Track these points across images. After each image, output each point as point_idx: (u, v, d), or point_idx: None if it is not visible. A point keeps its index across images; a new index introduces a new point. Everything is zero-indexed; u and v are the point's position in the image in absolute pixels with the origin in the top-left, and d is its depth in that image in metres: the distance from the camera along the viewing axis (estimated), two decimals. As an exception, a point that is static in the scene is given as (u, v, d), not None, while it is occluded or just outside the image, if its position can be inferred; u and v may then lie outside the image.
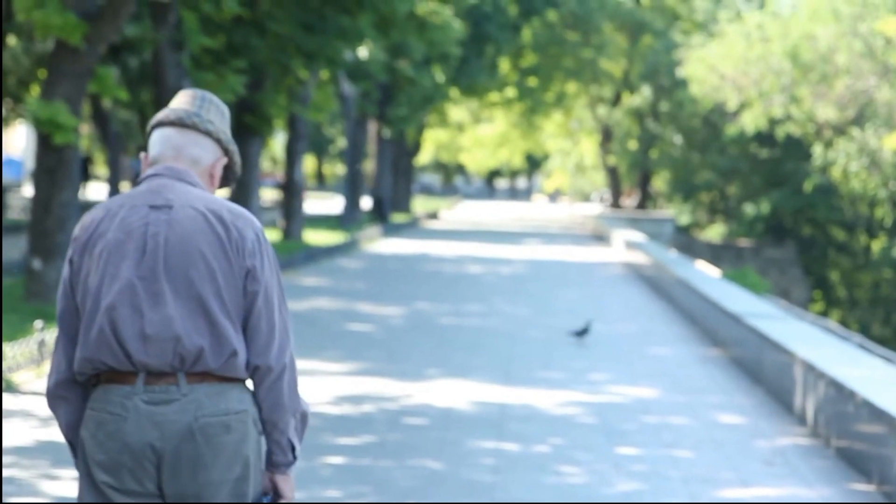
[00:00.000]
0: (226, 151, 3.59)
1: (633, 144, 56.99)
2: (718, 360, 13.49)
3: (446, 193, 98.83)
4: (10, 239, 24.69)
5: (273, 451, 3.50)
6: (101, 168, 68.52)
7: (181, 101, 3.57)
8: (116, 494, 3.37)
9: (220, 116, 3.58)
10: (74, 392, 3.47)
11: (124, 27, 17.44)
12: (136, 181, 3.52)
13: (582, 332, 14.18)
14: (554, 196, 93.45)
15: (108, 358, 3.36)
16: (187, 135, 3.53)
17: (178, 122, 3.53)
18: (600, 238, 39.92)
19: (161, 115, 3.55)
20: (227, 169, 3.62)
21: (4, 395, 9.74)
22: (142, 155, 3.59)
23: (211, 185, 3.57)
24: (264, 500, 3.49)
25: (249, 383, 3.49)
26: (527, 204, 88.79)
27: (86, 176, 45.83)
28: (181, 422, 3.34)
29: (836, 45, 36.70)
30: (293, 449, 3.51)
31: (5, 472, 7.37)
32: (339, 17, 22.75)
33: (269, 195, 55.51)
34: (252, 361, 3.42)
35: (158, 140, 3.54)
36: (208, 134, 3.54)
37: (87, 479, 3.41)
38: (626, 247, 29.90)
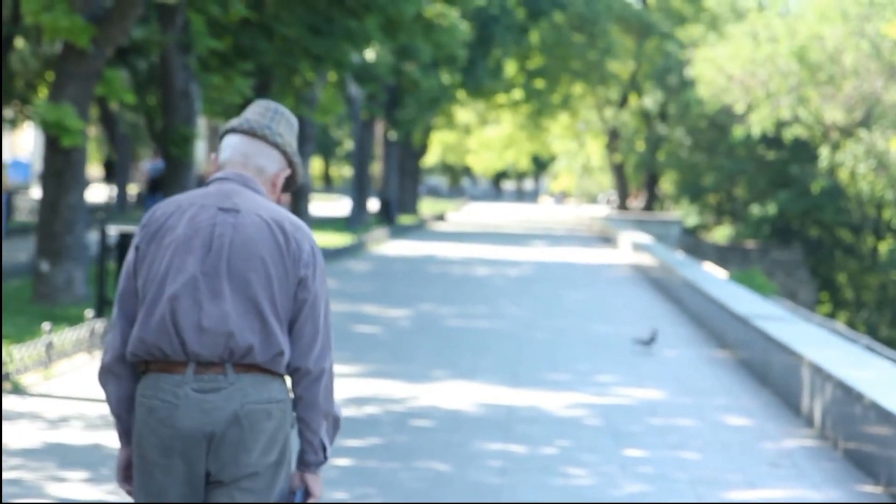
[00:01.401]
0: (290, 163, 3.82)
1: (640, 146, 56.99)
2: (725, 361, 13.48)
3: (453, 195, 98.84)
4: (18, 241, 24.71)
5: (305, 450, 3.71)
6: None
7: (255, 111, 3.80)
8: (162, 476, 3.60)
9: (289, 129, 3.82)
10: (127, 369, 3.70)
11: (132, 30, 17.47)
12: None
13: (649, 341, 13.92)
14: (560, 198, 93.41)
15: (165, 345, 3.59)
16: (257, 144, 3.78)
17: (250, 132, 3.77)
18: (607, 240, 39.90)
19: (234, 122, 3.80)
20: (289, 178, 3.86)
21: (13, 398, 9.76)
22: (212, 156, 3.83)
23: (272, 193, 3.80)
24: (297, 498, 3.69)
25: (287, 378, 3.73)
26: (533, 206, 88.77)
27: (109, 178, 45.94)
28: (228, 408, 3.57)
29: (843, 45, 36.67)
30: (324, 449, 3.72)
31: (13, 475, 7.39)
32: (345, 19, 22.76)
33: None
34: (293, 363, 3.67)
35: (229, 146, 3.79)
36: (276, 146, 3.79)
37: (138, 461, 3.65)
38: (632, 248, 29.89)
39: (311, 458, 3.71)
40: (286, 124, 3.81)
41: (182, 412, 3.57)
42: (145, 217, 3.73)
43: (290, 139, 3.82)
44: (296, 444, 3.77)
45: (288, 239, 3.67)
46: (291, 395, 3.73)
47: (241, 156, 3.77)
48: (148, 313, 3.62)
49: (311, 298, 3.67)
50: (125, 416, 3.73)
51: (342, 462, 8.00)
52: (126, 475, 3.80)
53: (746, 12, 46.46)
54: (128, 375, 3.70)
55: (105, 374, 3.72)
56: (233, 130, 3.80)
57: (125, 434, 3.76)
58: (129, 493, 3.77)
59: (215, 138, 61.80)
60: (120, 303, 3.71)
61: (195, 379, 3.59)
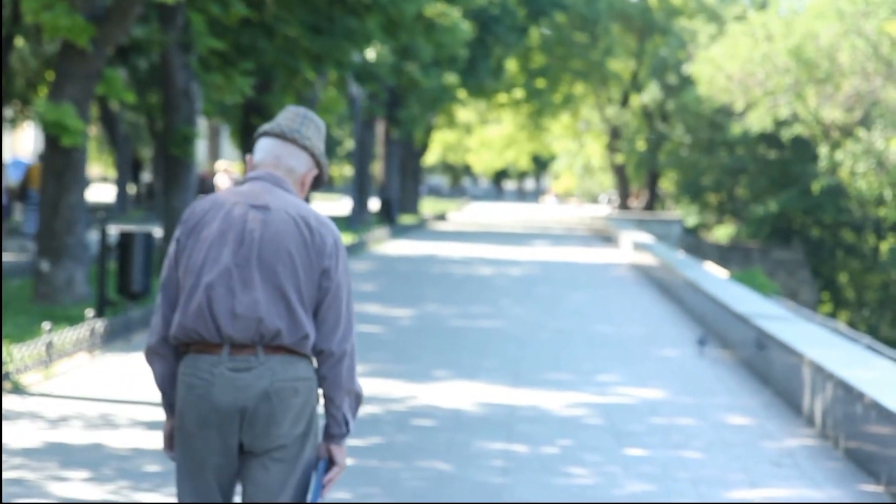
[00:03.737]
0: (317, 164, 4.21)
1: (641, 145, 56.97)
2: (726, 361, 13.47)
3: (454, 195, 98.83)
4: (18, 240, 24.72)
5: (329, 423, 4.10)
6: (109, 170, 68.59)
7: (286, 116, 4.19)
8: (200, 446, 3.99)
9: (317, 133, 4.20)
10: (170, 350, 4.10)
11: (132, 29, 17.45)
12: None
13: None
14: (561, 198, 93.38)
15: (202, 329, 3.98)
16: (287, 147, 4.16)
17: (281, 135, 4.16)
18: (608, 239, 39.90)
19: (267, 126, 4.18)
20: (317, 177, 4.25)
21: (13, 397, 9.75)
22: (247, 157, 4.22)
23: (301, 191, 4.18)
24: (320, 467, 4.06)
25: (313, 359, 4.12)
26: (535, 205, 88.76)
27: (135, 177, 46.00)
28: (259, 386, 3.96)
29: (839, 43, 36.67)
30: (346, 423, 4.10)
31: (14, 474, 7.38)
32: (346, 18, 22.74)
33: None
34: (318, 345, 4.05)
35: (262, 148, 4.18)
36: (305, 148, 4.17)
37: (179, 432, 4.05)
38: (633, 248, 29.88)
39: (335, 430, 4.09)
40: (314, 128, 4.18)
41: (218, 389, 3.96)
42: (185, 213, 4.10)
43: (318, 142, 4.19)
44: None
45: (313, 233, 4.03)
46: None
47: (273, 157, 4.14)
48: (187, 300, 4.00)
49: (333, 287, 4.04)
50: (169, 390, 4.13)
51: (343, 462, 7.98)
52: (171, 444, 4.18)
53: (743, 11, 46.46)
54: (170, 355, 4.09)
55: (150, 355, 4.12)
56: (266, 134, 4.17)
57: (170, 407, 4.15)
58: (173, 459, 4.13)
59: (216, 138, 61.76)
60: (163, 290, 4.09)
61: (230, 359, 3.97)
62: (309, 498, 4.05)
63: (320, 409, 4.12)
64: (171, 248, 4.10)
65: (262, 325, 3.96)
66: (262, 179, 4.12)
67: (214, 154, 57.27)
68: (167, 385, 4.13)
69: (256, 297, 3.97)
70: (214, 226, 4.03)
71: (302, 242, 4.02)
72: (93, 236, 19.27)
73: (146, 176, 51.77)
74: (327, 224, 4.08)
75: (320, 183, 4.25)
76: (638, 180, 62.04)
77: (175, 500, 4.12)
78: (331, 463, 4.09)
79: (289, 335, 3.98)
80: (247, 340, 3.96)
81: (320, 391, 4.11)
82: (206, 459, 4.00)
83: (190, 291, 4.00)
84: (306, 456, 4.04)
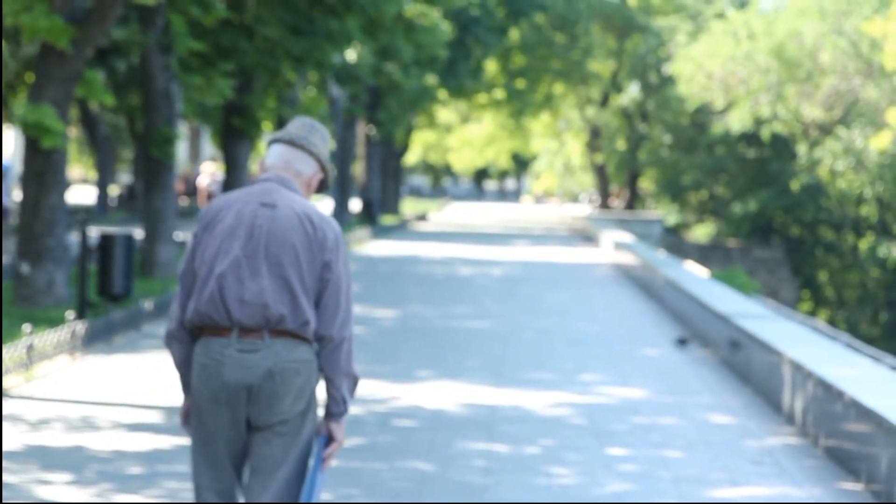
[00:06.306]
0: (322, 168, 4.66)
1: (621, 144, 57.07)
2: (707, 360, 13.52)
3: (435, 195, 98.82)
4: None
5: (329, 403, 4.52)
6: (90, 172, 68.33)
7: (296, 125, 4.66)
8: (211, 420, 4.41)
9: (322, 140, 4.66)
10: (186, 335, 4.53)
11: (112, 30, 17.42)
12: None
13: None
14: (541, 197, 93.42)
15: (214, 314, 4.41)
16: (296, 153, 4.63)
17: (291, 142, 4.63)
18: (589, 239, 39.96)
19: (279, 134, 4.66)
20: (322, 180, 4.70)
21: (-6, 400, 9.73)
22: (260, 161, 4.68)
23: (307, 192, 4.64)
24: (320, 441, 4.47)
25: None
26: (515, 205, 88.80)
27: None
28: (264, 366, 4.39)
29: (821, 42, 36.82)
30: (345, 402, 4.52)
31: (-5, 477, 7.36)
32: (326, 19, 22.73)
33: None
34: (320, 331, 4.46)
35: (274, 153, 4.65)
36: (311, 154, 4.63)
37: (194, 408, 4.47)
38: (614, 248, 29.94)
39: (334, 409, 4.51)
40: (320, 136, 4.64)
41: (227, 368, 4.38)
42: (202, 211, 4.54)
43: (323, 149, 4.65)
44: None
45: (315, 229, 4.46)
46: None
47: (283, 161, 4.60)
48: (201, 288, 4.43)
49: (334, 278, 4.46)
50: (186, 371, 4.55)
51: (326, 463, 7.98)
52: (187, 420, 4.60)
53: (722, 10, 46.58)
54: (187, 339, 4.52)
55: (170, 339, 4.54)
56: (277, 141, 4.64)
57: (187, 386, 4.57)
58: (189, 433, 4.55)
59: (197, 139, 61.48)
60: (181, 280, 4.52)
61: (238, 342, 4.39)
62: (310, 469, 4.43)
63: (320, 389, 4.50)
64: (190, 242, 4.54)
65: (267, 311, 4.37)
66: (271, 181, 4.56)
67: (195, 155, 57.15)
68: (184, 367, 4.55)
69: (263, 286, 4.39)
70: (227, 221, 4.46)
71: (305, 237, 4.44)
72: (73, 238, 19.22)
73: (125, 178, 51.62)
74: (329, 221, 4.50)
75: (325, 186, 4.69)
76: (618, 180, 62.15)
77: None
78: (330, 439, 4.49)
79: (291, 320, 4.39)
80: (254, 325, 4.38)
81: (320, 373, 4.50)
82: (218, 432, 4.42)
83: (204, 280, 4.43)
84: (306, 431, 4.46)
